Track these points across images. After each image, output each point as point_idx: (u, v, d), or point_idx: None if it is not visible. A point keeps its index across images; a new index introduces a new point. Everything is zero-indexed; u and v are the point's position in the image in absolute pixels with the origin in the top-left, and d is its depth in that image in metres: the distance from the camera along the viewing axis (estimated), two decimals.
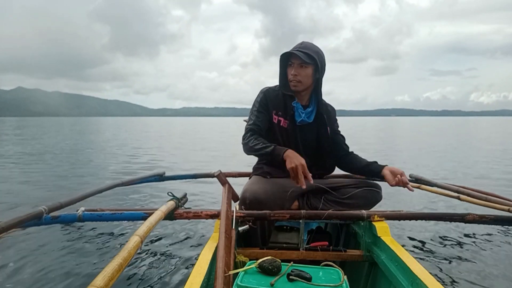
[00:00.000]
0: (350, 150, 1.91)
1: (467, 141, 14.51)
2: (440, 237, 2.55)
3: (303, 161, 1.51)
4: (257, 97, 1.80)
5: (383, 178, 1.68)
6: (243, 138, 1.72)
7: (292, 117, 1.76)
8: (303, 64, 1.67)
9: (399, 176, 1.60)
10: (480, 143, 13.21)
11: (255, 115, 1.75)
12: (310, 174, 1.51)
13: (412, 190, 1.64)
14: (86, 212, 1.66)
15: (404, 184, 1.59)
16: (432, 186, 2.49)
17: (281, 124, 1.75)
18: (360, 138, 14.80)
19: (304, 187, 1.51)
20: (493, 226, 2.70)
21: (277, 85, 1.81)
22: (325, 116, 1.82)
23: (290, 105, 1.74)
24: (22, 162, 7.36)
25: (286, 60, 1.72)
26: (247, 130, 1.72)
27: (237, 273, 1.04)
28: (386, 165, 1.69)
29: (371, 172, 1.75)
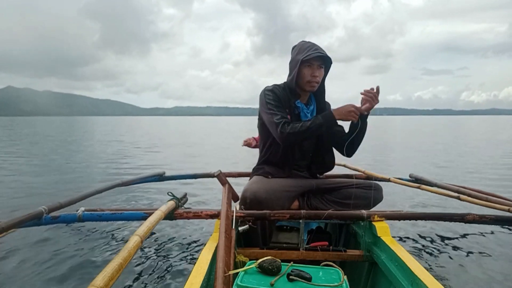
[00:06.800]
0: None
1: (457, 139, 14.49)
2: (440, 237, 2.55)
3: (349, 106, 1.62)
4: (266, 96, 1.74)
5: (365, 116, 1.68)
6: (282, 131, 1.63)
7: (298, 117, 1.77)
8: (320, 66, 1.71)
9: (363, 96, 1.61)
10: (472, 142, 13.18)
11: (278, 110, 1.70)
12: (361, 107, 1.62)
13: (377, 87, 1.62)
14: (86, 212, 1.66)
15: (373, 93, 1.60)
16: (432, 186, 2.49)
17: None
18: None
19: (356, 117, 1.61)
20: (493, 226, 2.70)
21: (276, 84, 1.81)
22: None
23: (293, 104, 1.75)
24: (14, 163, 7.36)
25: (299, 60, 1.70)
26: (282, 123, 1.64)
27: (237, 273, 1.04)
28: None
29: (359, 123, 1.71)
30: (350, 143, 1.78)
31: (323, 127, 1.63)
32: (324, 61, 1.71)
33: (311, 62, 1.68)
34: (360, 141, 1.80)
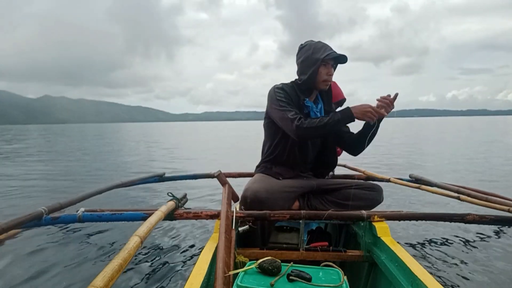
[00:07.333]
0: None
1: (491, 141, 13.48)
2: (440, 237, 2.55)
3: (366, 106, 1.61)
4: (276, 94, 1.74)
5: (379, 120, 1.67)
6: (300, 125, 1.62)
7: (307, 116, 1.77)
8: (333, 65, 1.74)
9: (378, 103, 1.60)
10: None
11: (291, 106, 1.70)
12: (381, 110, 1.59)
13: (396, 94, 1.60)
14: (86, 213, 1.66)
15: (389, 100, 1.59)
16: (432, 186, 2.49)
17: None
18: (382, 140, 14.02)
19: (373, 118, 1.59)
20: (493, 226, 2.70)
21: (284, 83, 1.82)
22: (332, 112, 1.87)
23: (302, 103, 1.76)
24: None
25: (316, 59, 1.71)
26: (298, 118, 1.64)
27: (237, 273, 1.04)
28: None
29: (370, 126, 1.71)
30: (361, 144, 1.79)
31: (340, 123, 1.63)
32: (335, 61, 1.76)
33: (327, 61, 1.70)
34: (370, 143, 1.80)
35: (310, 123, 1.62)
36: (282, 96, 1.73)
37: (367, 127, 1.73)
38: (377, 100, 1.61)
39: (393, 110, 1.64)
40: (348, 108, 1.64)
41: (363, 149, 1.83)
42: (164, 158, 8.97)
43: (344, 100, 2.59)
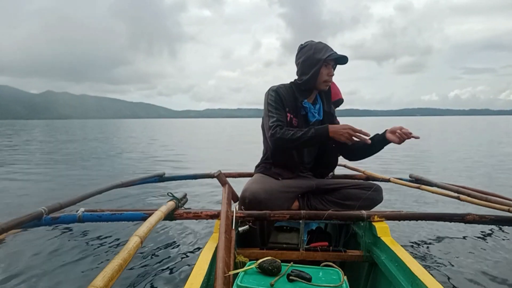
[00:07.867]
0: None
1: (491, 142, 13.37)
2: (440, 237, 2.55)
3: (348, 125, 1.57)
4: (269, 96, 1.76)
5: (388, 142, 1.67)
6: (274, 134, 1.64)
7: (305, 117, 1.78)
8: (333, 65, 1.75)
9: (398, 131, 1.59)
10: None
11: (276, 112, 1.71)
12: (365, 131, 1.56)
13: (418, 137, 1.59)
14: (86, 213, 1.66)
15: (408, 136, 1.59)
16: (432, 186, 2.49)
17: (293, 122, 1.76)
18: None
19: (369, 141, 1.54)
20: (493, 226, 2.70)
21: (282, 84, 1.82)
22: (332, 112, 1.87)
23: (299, 104, 1.76)
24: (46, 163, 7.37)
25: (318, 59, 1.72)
26: (275, 126, 1.66)
27: (237, 273, 1.04)
28: (386, 130, 1.68)
29: (378, 143, 1.70)
30: (363, 155, 1.83)
31: (314, 140, 1.61)
32: (335, 62, 1.77)
33: (328, 62, 1.71)
34: (369, 156, 1.82)
35: (284, 134, 1.62)
36: (272, 99, 1.74)
37: (379, 144, 1.71)
38: (400, 130, 1.59)
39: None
40: (326, 126, 1.60)
41: (361, 159, 1.87)
42: (164, 156, 8.97)
43: (341, 100, 2.57)
